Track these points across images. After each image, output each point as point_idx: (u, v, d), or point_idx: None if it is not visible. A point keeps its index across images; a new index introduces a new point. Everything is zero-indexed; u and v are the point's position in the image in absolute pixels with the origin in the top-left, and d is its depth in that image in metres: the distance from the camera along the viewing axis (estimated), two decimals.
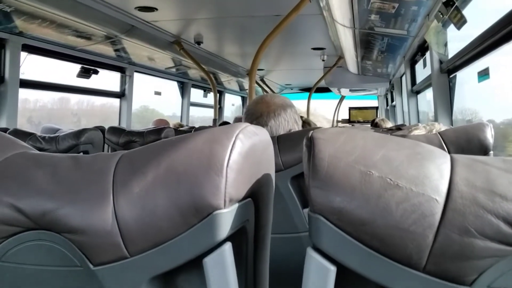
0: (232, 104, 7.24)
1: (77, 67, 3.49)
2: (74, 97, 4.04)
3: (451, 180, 0.40)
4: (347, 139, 0.45)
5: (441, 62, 2.42)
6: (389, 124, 3.40)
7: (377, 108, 7.77)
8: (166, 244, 0.44)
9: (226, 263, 0.44)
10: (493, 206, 0.39)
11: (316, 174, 0.42)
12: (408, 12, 2.33)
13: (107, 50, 3.48)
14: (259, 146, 0.50)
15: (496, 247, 0.39)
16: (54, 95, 3.75)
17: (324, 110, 9.08)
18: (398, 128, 2.20)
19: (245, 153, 0.46)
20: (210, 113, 5.35)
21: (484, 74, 1.73)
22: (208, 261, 0.44)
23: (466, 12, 1.78)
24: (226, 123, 4.47)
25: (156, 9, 2.73)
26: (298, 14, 2.39)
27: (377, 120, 3.59)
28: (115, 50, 3.54)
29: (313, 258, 0.43)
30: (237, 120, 4.13)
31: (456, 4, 1.72)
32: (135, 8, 2.68)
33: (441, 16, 1.91)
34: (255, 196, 0.51)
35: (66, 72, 3.48)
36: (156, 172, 0.45)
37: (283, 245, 1.15)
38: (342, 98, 8.02)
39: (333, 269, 0.42)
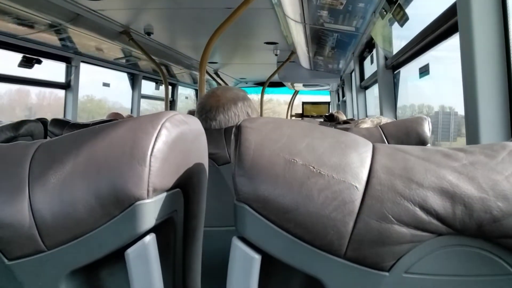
0: (186, 97, 7.14)
1: (18, 57, 3.29)
2: (34, 89, 3.84)
3: (371, 167, 0.41)
4: (274, 128, 0.45)
5: (386, 58, 2.51)
6: (344, 117, 3.51)
7: (329, 103, 7.96)
8: (86, 236, 0.43)
9: (149, 255, 0.43)
10: (410, 193, 0.40)
11: (241, 162, 0.42)
12: (356, 8, 2.39)
13: (52, 39, 3.30)
14: (189, 135, 0.49)
15: (412, 233, 0.40)
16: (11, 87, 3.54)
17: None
18: (346, 122, 2.27)
19: (171, 142, 0.45)
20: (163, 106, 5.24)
21: (424, 71, 1.80)
22: (130, 253, 0.43)
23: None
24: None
25: None
26: (250, 7, 2.38)
27: (334, 113, 3.69)
28: (60, 39, 3.36)
29: (238, 247, 0.42)
30: (190, 113, 4.08)
31: (398, 1, 1.78)
32: None
33: (385, 13, 1.98)
34: (185, 186, 0.50)
35: (6, 61, 3.27)
36: (75, 161, 0.43)
37: (229, 238, 1.14)
38: (296, 93, 8.14)
39: (257, 257, 0.42)
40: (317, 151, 0.42)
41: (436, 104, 2.57)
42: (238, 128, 0.45)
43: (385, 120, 1.56)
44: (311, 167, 0.41)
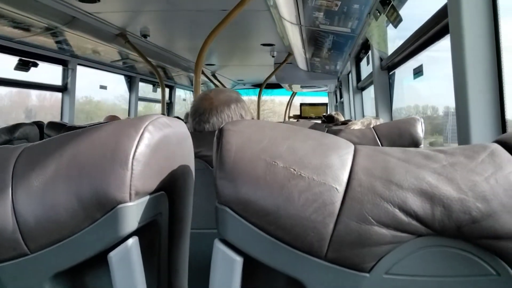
0: (184, 99, 7.14)
1: (14, 60, 3.28)
2: (34, 92, 3.84)
3: (352, 169, 0.42)
4: (256, 131, 0.45)
5: (381, 59, 2.51)
6: (343, 118, 3.51)
7: (327, 104, 7.97)
8: (68, 239, 0.43)
9: (132, 257, 0.43)
10: (389, 194, 0.40)
11: (222, 165, 0.42)
12: (351, 10, 2.40)
13: (48, 42, 3.30)
14: (172, 138, 0.49)
15: (392, 234, 0.40)
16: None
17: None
18: (344, 123, 2.27)
19: (154, 145, 0.45)
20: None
21: (418, 72, 1.81)
22: (113, 256, 0.43)
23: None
24: (176, 118, 4.39)
25: (99, 0, 2.62)
26: (245, 9, 2.38)
27: (333, 114, 3.69)
28: (57, 42, 3.36)
29: (220, 250, 0.43)
30: (187, 115, 4.08)
31: (392, 3, 1.79)
32: None
33: (378, 14, 1.98)
34: (170, 189, 0.50)
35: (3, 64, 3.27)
36: (58, 165, 0.43)
37: None
38: (294, 94, 8.15)
39: (239, 260, 0.42)
40: (298, 153, 0.42)
41: (441, 104, 2.55)
42: (221, 131, 0.45)
43: (374, 121, 1.56)
44: (292, 169, 0.41)
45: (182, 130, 0.52)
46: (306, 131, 0.47)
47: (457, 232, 0.40)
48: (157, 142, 0.46)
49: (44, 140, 0.47)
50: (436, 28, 1.44)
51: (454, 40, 1.12)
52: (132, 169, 0.43)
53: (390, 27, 2.18)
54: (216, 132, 0.46)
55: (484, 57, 1.04)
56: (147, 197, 0.45)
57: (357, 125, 1.50)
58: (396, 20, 1.77)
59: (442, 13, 1.35)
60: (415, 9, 1.97)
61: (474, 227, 0.40)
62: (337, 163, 0.42)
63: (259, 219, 0.41)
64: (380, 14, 1.96)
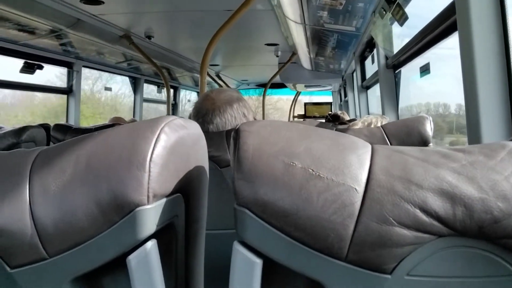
0: (188, 100, 7.14)
1: (20, 62, 3.30)
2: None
3: (370, 169, 0.41)
4: (272, 131, 0.45)
5: (387, 58, 2.50)
6: (348, 117, 3.50)
7: (331, 103, 7.96)
8: (87, 243, 0.43)
9: (151, 260, 0.43)
10: (410, 194, 0.40)
11: (240, 166, 0.42)
12: (355, 8, 2.39)
13: (53, 44, 3.31)
14: (188, 140, 0.49)
15: (413, 235, 0.40)
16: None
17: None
18: (350, 122, 2.27)
19: (170, 147, 0.45)
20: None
21: (425, 70, 1.80)
22: (132, 259, 0.43)
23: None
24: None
25: (103, 2, 2.62)
26: (250, 9, 2.38)
27: (339, 113, 3.68)
28: (61, 44, 3.37)
29: (239, 252, 0.42)
30: (190, 116, 4.07)
31: (398, 1, 1.78)
32: (80, 1, 2.57)
33: (384, 12, 1.98)
34: (185, 190, 0.50)
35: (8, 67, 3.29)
36: (75, 168, 0.43)
37: (233, 241, 1.14)
38: (298, 93, 8.13)
39: (258, 262, 0.42)
40: (315, 153, 0.42)
41: (454, 102, 2.51)
42: (237, 132, 0.45)
43: (375, 119, 1.55)
44: (310, 170, 0.41)
45: (196, 132, 0.52)
46: (322, 131, 0.46)
47: (479, 232, 0.39)
48: (173, 144, 0.45)
49: (59, 143, 0.47)
50: (443, 25, 1.43)
51: (463, 37, 1.11)
52: (149, 171, 0.42)
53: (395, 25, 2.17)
54: (232, 133, 0.46)
55: (493, 54, 1.04)
56: (164, 200, 0.45)
57: (358, 125, 1.50)
58: (402, 18, 1.76)
59: (449, 10, 1.34)
60: (416, 8, 1.96)
61: (496, 227, 0.39)
62: (355, 163, 0.42)
63: (278, 220, 0.41)
64: (386, 13, 1.95)
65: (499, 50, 1.04)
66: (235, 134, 0.45)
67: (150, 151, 0.43)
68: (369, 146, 0.44)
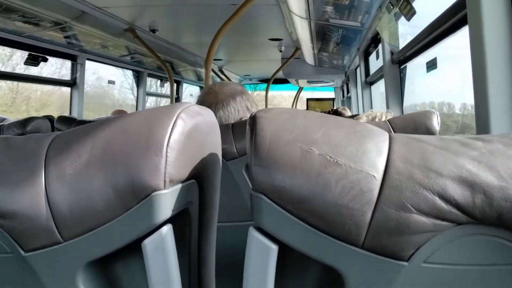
0: (191, 95, 7.14)
1: (24, 54, 3.30)
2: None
3: (389, 157, 0.41)
4: (289, 118, 0.44)
5: (392, 53, 2.50)
6: (349, 113, 3.49)
7: (333, 99, 7.95)
8: (102, 227, 0.43)
9: (166, 245, 0.43)
10: (429, 182, 0.40)
11: (257, 152, 0.42)
12: (361, 3, 2.38)
13: (57, 36, 3.31)
14: (203, 127, 0.49)
15: (431, 222, 0.40)
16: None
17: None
18: (353, 117, 2.26)
19: (187, 133, 0.45)
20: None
21: (432, 65, 1.79)
22: (147, 244, 0.43)
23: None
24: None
25: None
26: (254, 4, 2.37)
27: (340, 109, 3.67)
28: (66, 37, 3.37)
29: (255, 237, 0.42)
30: None
31: None
32: None
33: (391, 7, 1.97)
34: (200, 177, 0.50)
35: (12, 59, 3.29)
36: (91, 152, 0.43)
37: (237, 233, 1.15)
38: (300, 89, 8.13)
39: (274, 247, 0.42)
40: (333, 140, 0.42)
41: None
42: (253, 118, 0.45)
43: (379, 114, 1.55)
44: (328, 157, 0.41)
45: (211, 119, 0.52)
46: (338, 119, 0.46)
47: (498, 220, 0.39)
48: (190, 130, 0.45)
49: (75, 127, 0.47)
50: (452, 20, 1.42)
51: (473, 32, 1.10)
52: (166, 156, 0.42)
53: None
54: (248, 120, 0.45)
55: (504, 49, 1.03)
56: (180, 185, 0.45)
57: (362, 119, 1.49)
58: (409, 13, 1.76)
59: (459, 4, 1.33)
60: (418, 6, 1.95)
61: None
62: (374, 150, 0.41)
63: (295, 206, 0.41)
64: (393, 7, 1.94)
65: (510, 44, 1.03)
66: (251, 121, 0.45)
67: (167, 136, 0.43)
68: (386, 134, 0.44)
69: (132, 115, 0.45)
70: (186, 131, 0.45)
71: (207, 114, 0.50)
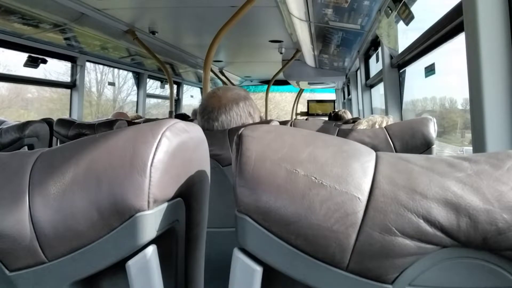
0: (191, 96, 7.14)
1: (23, 56, 3.30)
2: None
3: (374, 178, 0.41)
4: (275, 137, 0.44)
5: (391, 57, 2.49)
6: (350, 116, 3.49)
7: (334, 101, 7.93)
8: (86, 248, 0.42)
9: (151, 266, 0.42)
10: (413, 204, 0.39)
11: (242, 173, 0.42)
12: (361, 6, 2.37)
13: (57, 38, 3.31)
14: (190, 144, 0.48)
15: (416, 245, 0.39)
16: None
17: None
18: (354, 120, 2.26)
19: (172, 151, 0.45)
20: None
21: (430, 70, 1.79)
22: (131, 264, 0.42)
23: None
24: (183, 115, 4.40)
25: None
26: (254, 6, 2.37)
27: (340, 112, 3.67)
28: (65, 39, 3.37)
29: (239, 259, 0.42)
30: (195, 112, 4.08)
31: (404, 0, 1.77)
32: None
33: (390, 11, 1.96)
34: (186, 195, 0.50)
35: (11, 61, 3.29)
36: (75, 172, 0.43)
37: (233, 238, 1.14)
38: (301, 91, 8.12)
39: (259, 269, 0.42)
40: (319, 161, 0.41)
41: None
42: (240, 137, 0.44)
43: (380, 120, 1.54)
44: (313, 178, 0.41)
45: (198, 135, 0.51)
46: (326, 137, 0.46)
47: (483, 243, 0.39)
48: (175, 148, 0.45)
49: (60, 145, 0.47)
50: (449, 26, 1.42)
51: (469, 38, 1.10)
52: (150, 176, 0.42)
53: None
54: (235, 138, 0.45)
55: (501, 57, 1.02)
56: (165, 204, 0.45)
57: (362, 125, 1.49)
58: (408, 18, 1.75)
59: (456, 11, 1.32)
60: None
61: (500, 238, 0.38)
62: (359, 171, 0.41)
63: (280, 228, 0.40)
64: (392, 12, 1.94)
65: (507, 53, 1.02)
66: (237, 139, 0.44)
67: (151, 156, 0.43)
68: (373, 154, 0.44)
69: (117, 133, 0.45)
70: (171, 149, 0.44)
71: (194, 131, 0.50)
